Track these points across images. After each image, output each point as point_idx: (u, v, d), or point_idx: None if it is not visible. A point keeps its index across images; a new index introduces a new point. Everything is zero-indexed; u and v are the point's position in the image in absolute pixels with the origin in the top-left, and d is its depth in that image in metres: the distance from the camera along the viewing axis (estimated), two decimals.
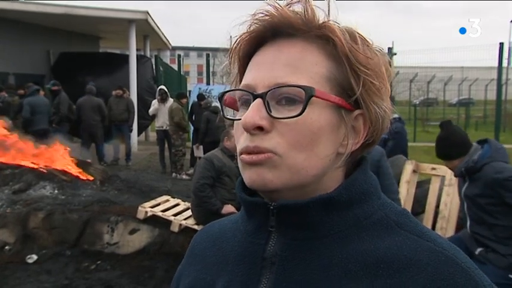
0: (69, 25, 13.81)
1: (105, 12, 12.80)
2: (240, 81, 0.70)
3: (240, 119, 0.65)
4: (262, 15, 0.65)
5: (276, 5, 0.65)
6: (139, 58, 13.65)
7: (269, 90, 0.63)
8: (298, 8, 0.65)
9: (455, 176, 3.08)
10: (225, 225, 0.80)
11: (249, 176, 0.65)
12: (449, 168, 3.16)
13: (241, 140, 0.66)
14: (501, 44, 9.51)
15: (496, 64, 9.84)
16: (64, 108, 9.44)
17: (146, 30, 14.53)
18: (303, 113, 0.62)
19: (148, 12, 12.99)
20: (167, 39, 18.02)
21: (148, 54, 16.04)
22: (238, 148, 0.67)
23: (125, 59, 13.48)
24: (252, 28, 0.67)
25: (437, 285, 0.59)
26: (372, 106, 0.66)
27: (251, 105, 0.64)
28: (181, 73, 18.44)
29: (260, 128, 0.63)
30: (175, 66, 19.05)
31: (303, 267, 0.65)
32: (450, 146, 2.97)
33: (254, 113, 0.63)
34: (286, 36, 0.65)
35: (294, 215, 0.66)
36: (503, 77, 11.82)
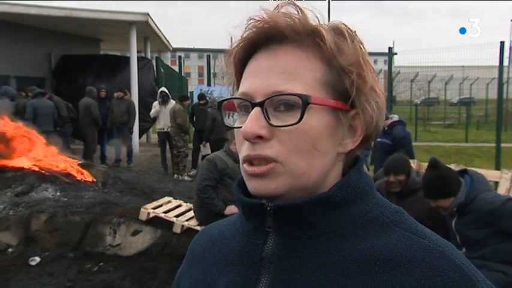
0: (70, 28, 13.82)
1: (105, 15, 12.81)
2: (237, 85, 0.71)
3: (240, 127, 0.66)
4: (255, 21, 0.66)
5: (268, 11, 0.66)
6: (140, 60, 13.65)
7: (267, 99, 0.64)
8: (290, 10, 0.66)
9: (443, 214, 2.97)
10: (224, 227, 0.81)
11: (252, 186, 0.67)
12: (437, 207, 2.93)
13: (243, 148, 0.67)
14: (502, 43, 9.49)
15: (497, 63, 9.82)
16: (63, 111, 9.46)
17: (147, 32, 14.53)
18: (301, 120, 0.63)
19: (148, 14, 13.00)
20: (168, 41, 18.02)
21: (149, 56, 16.04)
22: (241, 156, 0.68)
23: (125, 61, 13.49)
24: (245, 34, 0.68)
25: (432, 281, 0.60)
26: (366, 104, 0.67)
27: (250, 114, 0.65)
28: (182, 74, 18.44)
29: (260, 137, 0.64)
30: (176, 68, 19.04)
31: (300, 266, 0.66)
32: (448, 184, 2.84)
33: (253, 122, 0.64)
34: (279, 41, 0.66)
35: (291, 215, 0.66)
36: (505, 75, 11.81)
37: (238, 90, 0.70)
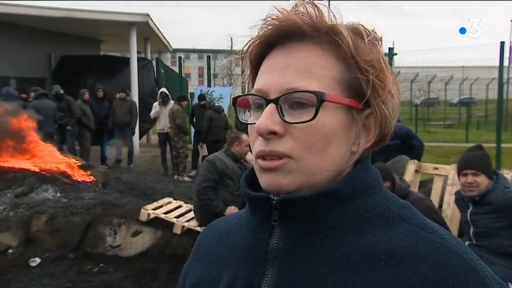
0: (70, 28, 13.83)
1: (105, 15, 12.82)
2: (252, 82, 0.72)
3: (254, 123, 0.66)
4: (272, 19, 0.67)
5: (285, 9, 0.67)
6: (141, 61, 13.65)
7: (281, 96, 0.65)
8: (307, 8, 0.66)
9: (471, 199, 3.13)
10: (231, 222, 0.81)
11: (265, 180, 0.67)
12: (473, 182, 3.08)
13: (256, 144, 0.68)
14: (502, 43, 9.49)
15: (497, 63, 9.81)
16: (77, 110, 9.43)
17: (147, 32, 14.54)
18: (316, 118, 0.63)
19: (148, 15, 13.01)
20: (168, 42, 18.03)
21: (149, 56, 16.04)
22: (254, 151, 0.68)
23: (125, 61, 13.49)
24: (262, 32, 0.68)
25: (440, 275, 0.60)
26: (381, 104, 0.67)
27: (264, 110, 0.66)
28: (182, 75, 18.44)
29: (274, 133, 0.65)
30: (176, 69, 19.04)
31: (305, 260, 0.66)
32: (491, 167, 3.15)
33: (267, 118, 0.65)
34: (296, 39, 0.67)
35: (297, 209, 0.67)
36: (505, 76, 11.80)
37: (253, 87, 0.71)
